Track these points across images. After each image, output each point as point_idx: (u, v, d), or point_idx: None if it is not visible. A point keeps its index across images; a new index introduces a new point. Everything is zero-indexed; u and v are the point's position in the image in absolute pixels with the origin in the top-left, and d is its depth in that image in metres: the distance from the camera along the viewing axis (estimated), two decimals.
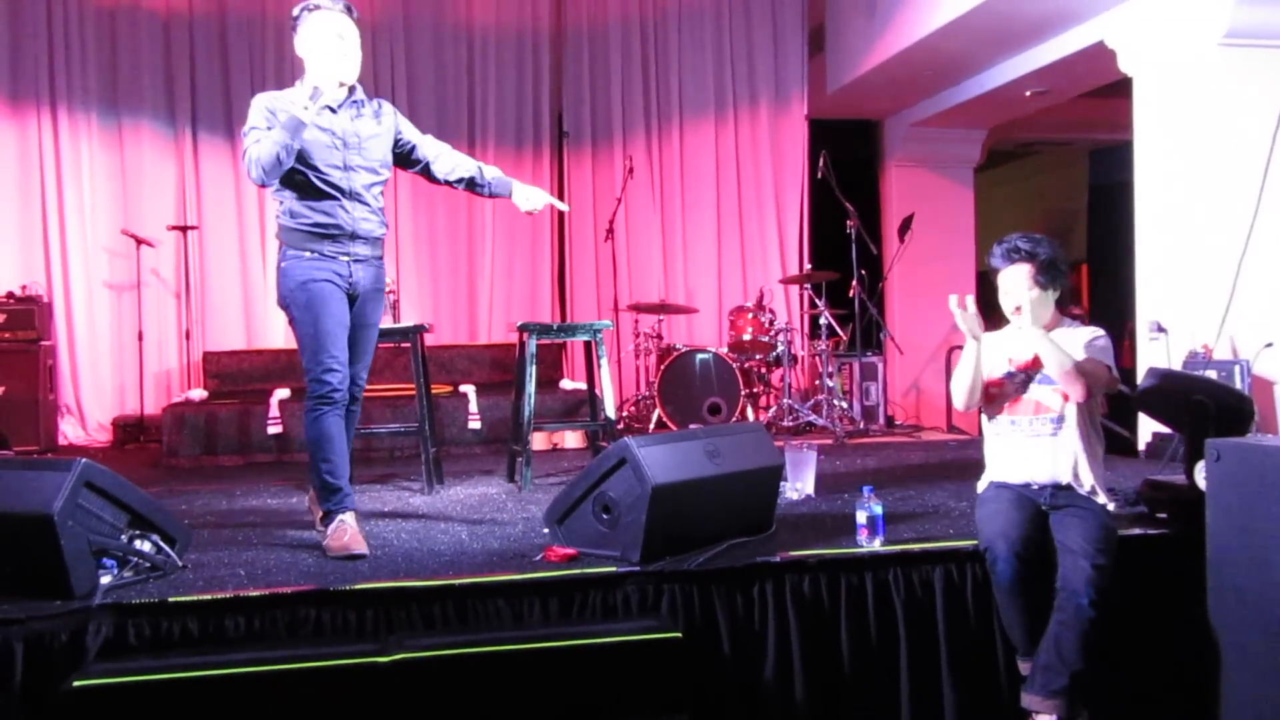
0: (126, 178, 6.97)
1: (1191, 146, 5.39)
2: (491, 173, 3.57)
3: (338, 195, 3.19)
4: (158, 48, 7.00)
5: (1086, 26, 6.16)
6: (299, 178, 3.16)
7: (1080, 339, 2.97)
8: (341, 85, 3.21)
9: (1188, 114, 5.42)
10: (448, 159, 3.53)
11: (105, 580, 2.64)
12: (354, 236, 3.24)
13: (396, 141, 3.41)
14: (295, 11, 3.19)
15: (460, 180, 3.53)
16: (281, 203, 3.23)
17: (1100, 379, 2.91)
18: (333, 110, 3.19)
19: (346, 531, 3.08)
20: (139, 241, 6.62)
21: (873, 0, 7.21)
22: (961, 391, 3.05)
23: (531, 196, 3.58)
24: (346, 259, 3.23)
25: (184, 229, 6.84)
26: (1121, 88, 6.14)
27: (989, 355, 3.07)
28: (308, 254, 3.18)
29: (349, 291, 3.25)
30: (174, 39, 7.02)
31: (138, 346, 6.69)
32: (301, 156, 3.12)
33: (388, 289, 3.78)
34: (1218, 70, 5.20)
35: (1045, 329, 2.97)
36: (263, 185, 3.14)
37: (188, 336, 6.88)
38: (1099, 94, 7.27)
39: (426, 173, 3.53)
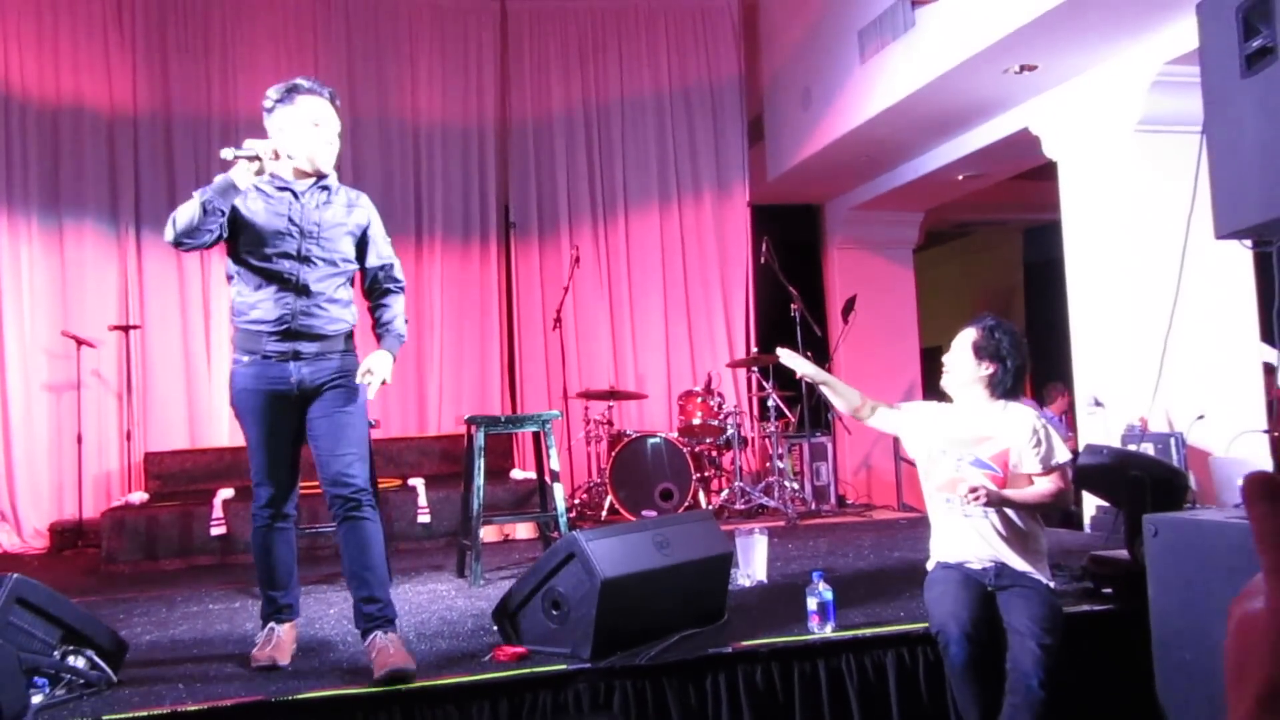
0: (67, 278, 6.89)
1: (1115, 226, 5.61)
2: (392, 328, 3.19)
3: (284, 288, 2.90)
4: (101, 148, 6.99)
5: (1011, 114, 6.43)
6: (248, 266, 2.91)
7: (1016, 421, 3.01)
8: (309, 175, 2.97)
9: (1110, 196, 5.66)
10: (380, 298, 3.19)
11: (37, 700, 2.54)
12: (298, 335, 2.92)
13: (361, 241, 3.12)
14: (276, 91, 2.96)
15: (371, 311, 3.20)
16: (231, 298, 3.00)
17: (1063, 493, 2.99)
18: (295, 195, 2.96)
19: (272, 640, 3.02)
20: (79, 342, 6.52)
21: (808, 92, 7.47)
22: (846, 411, 3.25)
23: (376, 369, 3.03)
24: (288, 360, 2.93)
25: (126, 329, 6.76)
26: (1049, 170, 6.40)
27: (929, 427, 3.12)
28: (246, 358, 2.94)
29: (296, 394, 2.94)
30: (118, 139, 7.02)
31: (76, 449, 6.54)
32: (252, 241, 2.89)
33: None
34: (1135, 155, 5.45)
35: (976, 406, 3.04)
36: (177, 246, 2.83)
37: (129, 438, 6.74)
38: (1029, 176, 7.56)
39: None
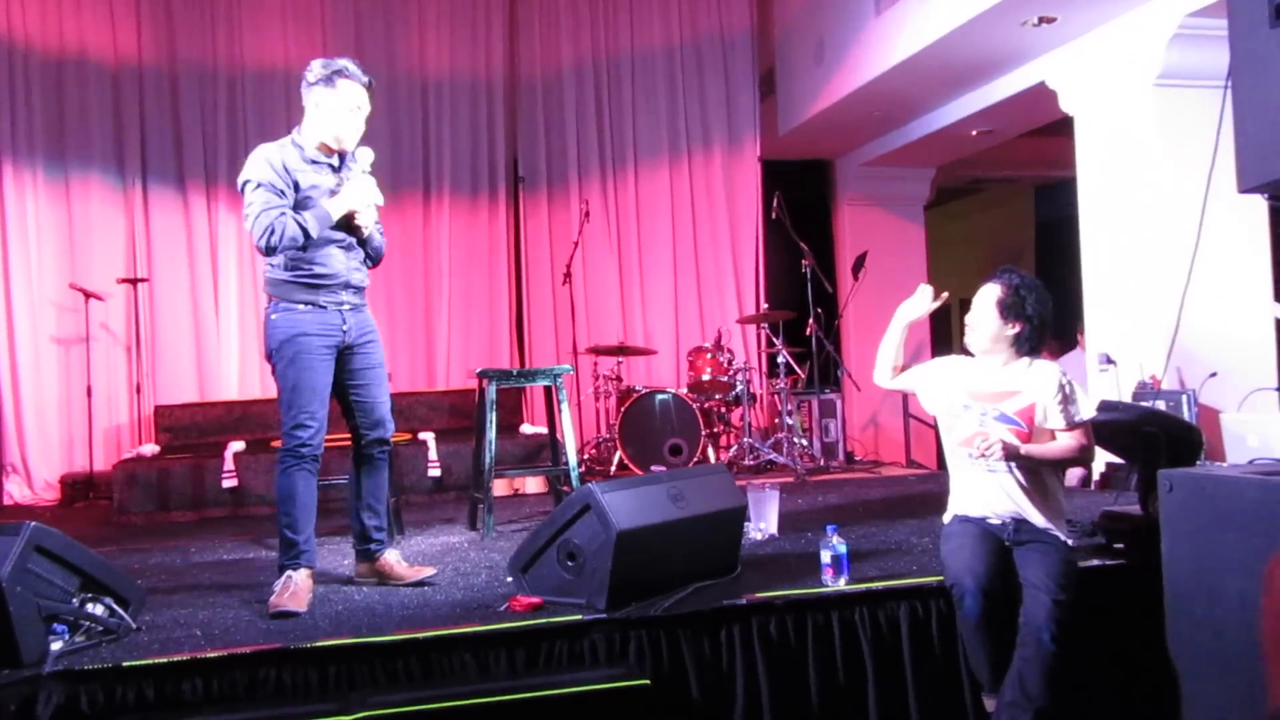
0: (74, 231, 6.85)
1: (1132, 183, 5.55)
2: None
3: (339, 247, 3.26)
4: (106, 100, 6.93)
5: (1028, 68, 6.34)
6: None
7: (1042, 377, 2.99)
8: (334, 152, 3.29)
9: (1127, 152, 5.59)
10: None
11: (56, 646, 2.56)
12: (347, 286, 3.29)
13: None
14: (320, 68, 3.22)
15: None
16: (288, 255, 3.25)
17: (1085, 449, 2.98)
18: (334, 169, 3.29)
19: (289, 588, 3.06)
20: (88, 295, 6.51)
21: (820, 45, 7.36)
22: (883, 367, 3.29)
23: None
24: (339, 308, 3.25)
25: (134, 281, 6.75)
26: (1064, 126, 6.32)
27: (950, 382, 3.11)
28: (301, 306, 3.19)
29: (342, 342, 3.25)
30: (123, 91, 6.95)
31: (86, 402, 6.55)
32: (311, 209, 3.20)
33: None
34: (1154, 110, 5.38)
35: (1001, 362, 3.02)
36: (269, 254, 3.13)
37: (138, 390, 6.76)
38: (1043, 132, 7.47)
39: None
